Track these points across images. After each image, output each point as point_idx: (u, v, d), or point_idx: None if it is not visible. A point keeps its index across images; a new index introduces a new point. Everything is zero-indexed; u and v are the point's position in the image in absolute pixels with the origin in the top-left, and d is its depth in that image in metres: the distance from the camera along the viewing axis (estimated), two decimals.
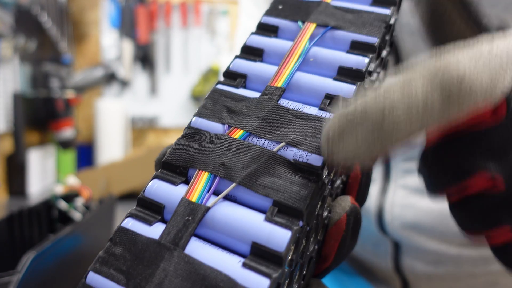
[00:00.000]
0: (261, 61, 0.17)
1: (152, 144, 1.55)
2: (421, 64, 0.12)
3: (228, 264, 0.12)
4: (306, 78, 0.16)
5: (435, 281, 0.44)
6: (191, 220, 0.13)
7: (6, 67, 0.95)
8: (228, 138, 0.14)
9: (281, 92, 0.16)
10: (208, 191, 0.13)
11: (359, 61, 0.15)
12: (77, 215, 0.52)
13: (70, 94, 1.10)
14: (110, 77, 1.19)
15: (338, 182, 0.16)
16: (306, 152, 0.13)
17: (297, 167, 0.13)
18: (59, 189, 0.53)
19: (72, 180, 0.55)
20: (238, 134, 0.14)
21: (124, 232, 0.14)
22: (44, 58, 1.20)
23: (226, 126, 0.15)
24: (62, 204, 0.52)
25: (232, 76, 0.17)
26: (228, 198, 0.13)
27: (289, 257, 0.12)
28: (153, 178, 0.14)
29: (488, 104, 0.12)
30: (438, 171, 0.14)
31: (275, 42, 0.17)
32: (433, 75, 0.11)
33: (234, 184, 0.13)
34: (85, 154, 1.39)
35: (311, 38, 0.17)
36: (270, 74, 0.16)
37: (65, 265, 0.40)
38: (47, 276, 0.35)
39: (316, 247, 0.15)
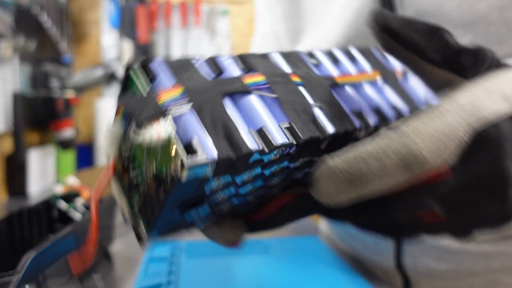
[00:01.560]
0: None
1: None
2: (392, 142, 0.17)
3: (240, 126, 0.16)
4: None
5: (436, 280, 0.44)
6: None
7: (5, 67, 0.95)
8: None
9: None
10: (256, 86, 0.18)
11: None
12: (77, 215, 0.52)
13: (70, 94, 1.10)
14: (110, 77, 1.19)
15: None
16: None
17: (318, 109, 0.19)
18: (59, 189, 0.53)
19: (72, 180, 0.55)
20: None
21: None
22: (44, 58, 1.19)
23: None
24: (62, 204, 0.52)
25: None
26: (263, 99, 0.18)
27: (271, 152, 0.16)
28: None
29: (435, 171, 0.18)
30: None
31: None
32: (400, 154, 0.17)
33: (275, 95, 0.18)
34: (85, 154, 1.39)
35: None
36: None
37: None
38: (47, 276, 0.35)
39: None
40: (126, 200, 0.20)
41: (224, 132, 0.16)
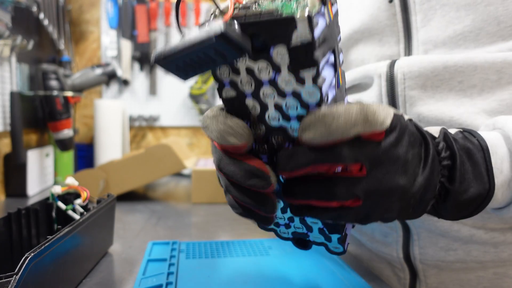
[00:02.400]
0: None
1: (151, 144, 1.55)
2: (357, 103, 0.25)
3: None
4: None
5: (444, 272, 0.44)
6: None
7: (3, 66, 0.95)
8: None
9: None
10: None
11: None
12: (75, 216, 0.51)
13: (68, 94, 1.09)
14: (109, 77, 1.18)
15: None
16: None
17: None
18: (58, 190, 0.53)
19: (71, 180, 0.54)
20: None
21: None
22: (42, 58, 1.19)
23: None
24: (61, 205, 0.52)
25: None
26: None
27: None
28: None
29: (378, 131, 0.25)
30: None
31: None
32: (361, 107, 0.24)
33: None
34: (84, 154, 1.39)
35: None
36: None
37: (63, 266, 0.39)
38: (46, 277, 0.35)
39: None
40: None
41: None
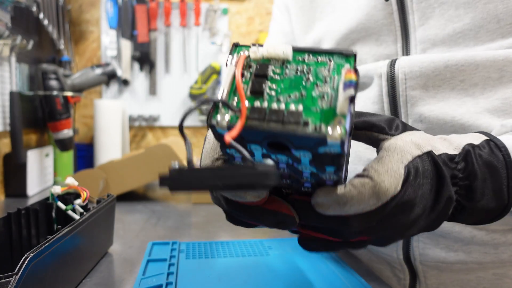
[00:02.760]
0: None
1: (151, 144, 1.55)
2: (367, 182, 0.25)
3: None
4: None
5: (444, 273, 0.44)
6: None
7: (3, 66, 0.95)
8: None
9: None
10: None
11: None
12: (75, 216, 0.51)
13: (68, 93, 1.09)
14: (109, 77, 1.18)
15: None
16: None
17: None
18: (58, 190, 0.52)
19: (71, 181, 0.54)
20: None
21: None
22: (42, 57, 1.19)
23: None
24: (61, 205, 0.52)
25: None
26: None
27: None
28: None
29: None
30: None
31: None
32: (373, 188, 0.25)
33: None
34: (84, 154, 1.39)
35: None
36: None
37: (63, 266, 0.39)
38: (45, 277, 0.35)
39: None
40: (244, 88, 0.23)
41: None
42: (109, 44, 1.49)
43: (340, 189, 0.25)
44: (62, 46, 1.30)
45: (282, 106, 0.21)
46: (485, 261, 0.42)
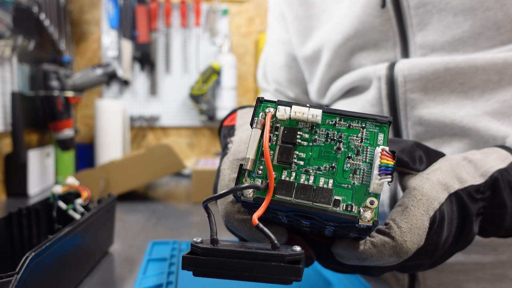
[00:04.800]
0: None
1: (152, 144, 1.55)
2: (388, 241, 0.25)
3: None
4: None
5: (443, 274, 0.44)
6: None
7: (4, 66, 0.95)
8: None
9: None
10: None
11: None
12: (76, 215, 0.52)
13: (69, 94, 1.10)
14: (110, 77, 1.19)
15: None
16: None
17: None
18: (58, 189, 0.53)
19: (71, 180, 0.54)
20: None
21: None
22: (43, 58, 1.19)
23: None
24: (61, 204, 0.52)
25: None
26: None
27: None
28: None
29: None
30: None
31: None
32: (393, 248, 0.25)
33: None
34: (84, 154, 1.39)
35: None
36: None
37: (64, 266, 0.39)
38: (46, 276, 0.35)
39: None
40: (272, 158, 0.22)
41: None
42: (110, 44, 1.49)
43: (361, 246, 0.25)
44: (63, 47, 1.31)
45: (311, 180, 0.21)
46: (484, 262, 0.41)
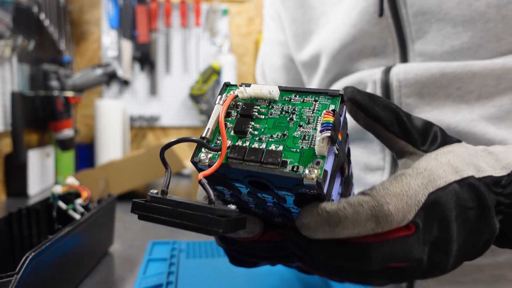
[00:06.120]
0: None
1: (152, 144, 1.55)
2: (367, 200, 0.22)
3: None
4: None
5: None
6: None
7: (4, 66, 0.95)
8: None
9: None
10: None
11: None
12: (76, 215, 0.52)
13: (69, 94, 1.10)
14: (110, 77, 1.19)
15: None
16: None
17: None
18: (58, 189, 0.53)
19: (71, 180, 0.54)
20: None
21: None
22: (43, 58, 1.19)
23: None
24: (61, 204, 0.52)
25: None
26: None
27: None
28: None
29: (399, 226, 0.22)
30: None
31: None
32: (372, 209, 0.21)
33: None
34: (84, 154, 1.39)
35: None
36: None
37: (64, 266, 0.39)
38: (46, 276, 0.35)
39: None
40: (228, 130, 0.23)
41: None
42: (110, 44, 1.49)
43: (332, 205, 0.21)
44: (63, 47, 1.31)
45: (263, 146, 0.22)
46: (482, 264, 0.41)
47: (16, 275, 0.29)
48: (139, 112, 1.54)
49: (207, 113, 1.51)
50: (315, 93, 0.23)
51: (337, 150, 0.22)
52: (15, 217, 0.46)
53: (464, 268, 0.42)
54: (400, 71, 0.40)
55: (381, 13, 0.41)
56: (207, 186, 0.21)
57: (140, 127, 1.55)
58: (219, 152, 0.22)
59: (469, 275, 0.42)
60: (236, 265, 0.31)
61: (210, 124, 0.23)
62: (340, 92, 0.23)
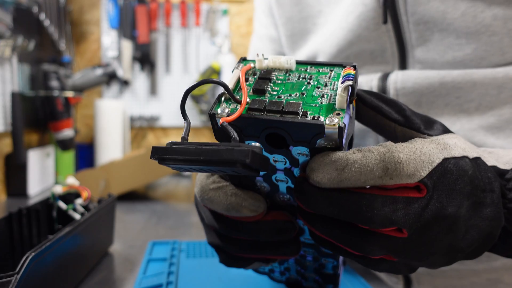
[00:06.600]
0: None
1: (152, 144, 1.55)
2: (378, 147, 0.21)
3: None
4: None
5: (438, 278, 0.43)
6: None
7: (4, 66, 0.95)
8: None
9: None
10: None
11: None
12: (76, 215, 0.52)
13: (69, 94, 1.10)
14: (110, 77, 1.19)
15: None
16: None
17: None
18: (59, 189, 0.53)
19: (71, 180, 0.54)
20: None
21: None
22: (43, 58, 1.19)
23: None
24: (62, 204, 0.52)
25: None
26: None
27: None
28: None
29: (409, 183, 0.21)
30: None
31: None
32: (382, 154, 0.21)
33: None
34: (84, 154, 1.39)
35: None
36: None
37: (64, 266, 0.39)
38: (46, 276, 0.35)
39: None
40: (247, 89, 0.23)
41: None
42: (110, 44, 1.49)
43: (343, 152, 0.21)
44: (63, 47, 1.31)
45: (283, 100, 0.22)
46: (478, 268, 0.41)
47: (16, 275, 0.29)
48: (139, 112, 1.54)
49: (207, 113, 1.51)
50: (330, 64, 0.24)
51: (351, 117, 0.22)
52: (15, 217, 0.46)
53: (460, 273, 0.42)
54: (398, 79, 0.39)
55: (385, 20, 0.40)
56: (230, 127, 0.21)
57: (140, 127, 1.55)
58: (238, 106, 0.22)
59: (466, 279, 0.42)
60: (226, 265, 0.30)
61: (230, 83, 0.23)
62: (354, 64, 0.23)
